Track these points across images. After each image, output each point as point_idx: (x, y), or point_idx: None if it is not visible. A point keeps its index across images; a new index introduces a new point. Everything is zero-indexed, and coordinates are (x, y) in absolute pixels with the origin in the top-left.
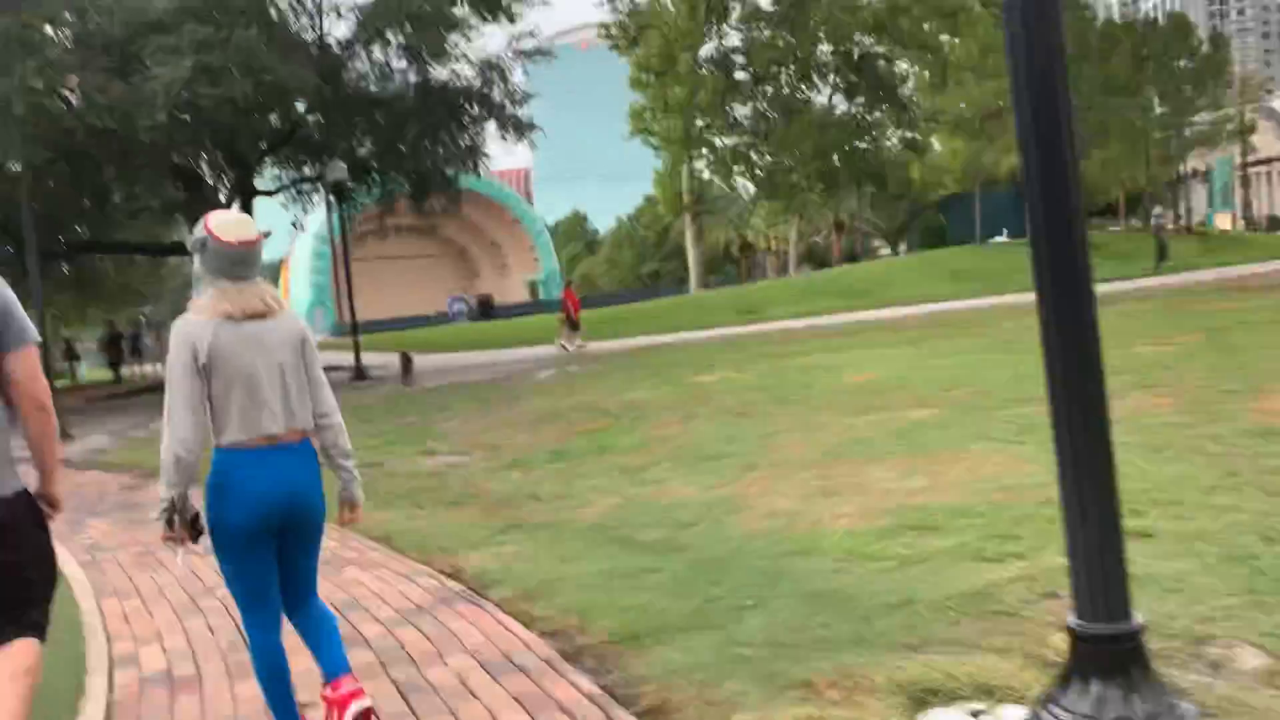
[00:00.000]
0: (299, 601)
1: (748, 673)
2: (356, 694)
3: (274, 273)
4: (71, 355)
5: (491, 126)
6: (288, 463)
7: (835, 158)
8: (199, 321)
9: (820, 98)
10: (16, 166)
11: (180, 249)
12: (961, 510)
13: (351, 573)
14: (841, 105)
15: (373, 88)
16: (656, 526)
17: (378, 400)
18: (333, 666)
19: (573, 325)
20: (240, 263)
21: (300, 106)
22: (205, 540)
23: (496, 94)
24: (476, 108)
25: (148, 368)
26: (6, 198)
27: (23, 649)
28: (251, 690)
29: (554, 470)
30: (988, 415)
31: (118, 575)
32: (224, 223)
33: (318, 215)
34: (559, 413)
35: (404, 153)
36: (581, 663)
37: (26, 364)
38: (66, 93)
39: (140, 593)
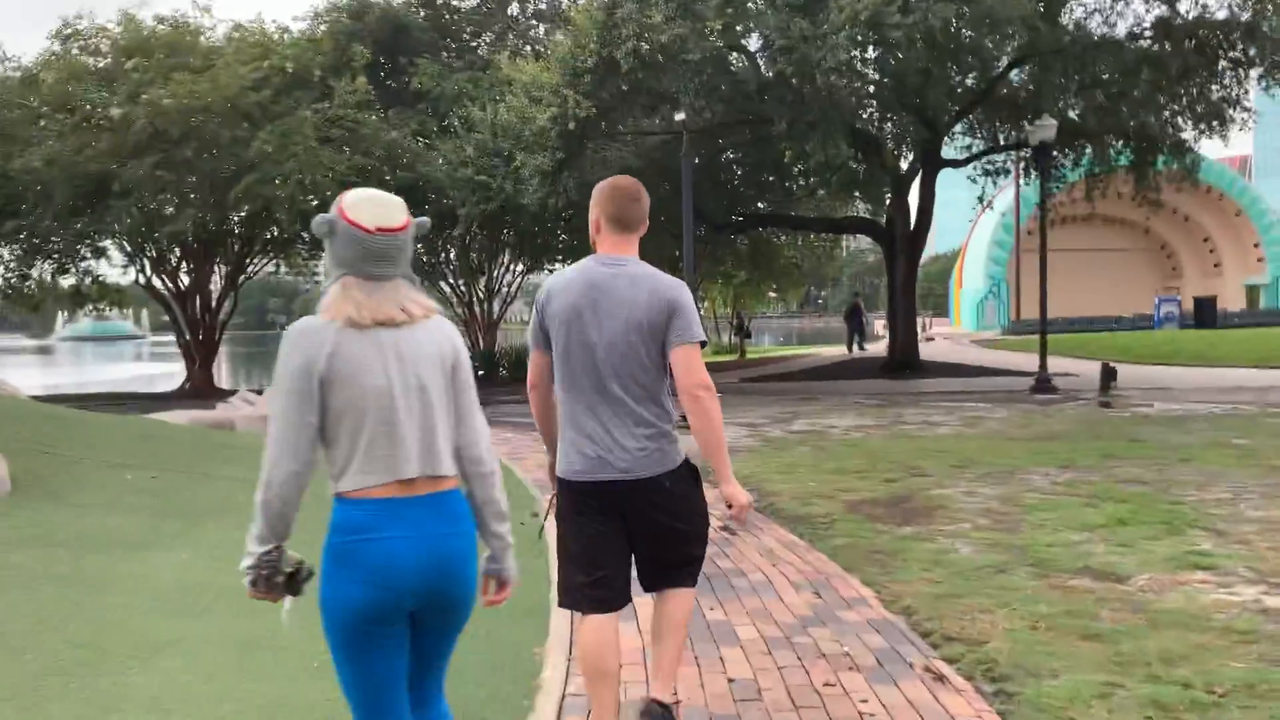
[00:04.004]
0: (421, 701)
1: None
2: None
3: (951, 260)
4: (742, 331)
5: (1254, 75)
6: (432, 521)
7: None
8: (319, 324)
9: None
10: (680, 115)
11: (849, 225)
12: None
13: None
14: None
15: (1098, 29)
16: None
17: (1070, 427)
18: None
19: None
20: (379, 257)
21: (1002, 60)
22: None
23: (1269, 26)
24: (1239, 47)
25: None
26: (673, 159)
27: (685, 598)
28: None
29: None
30: None
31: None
32: (360, 201)
33: (1004, 195)
34: None
35: (1125, 112)
36: None
37: (684, 360)
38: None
39: None
